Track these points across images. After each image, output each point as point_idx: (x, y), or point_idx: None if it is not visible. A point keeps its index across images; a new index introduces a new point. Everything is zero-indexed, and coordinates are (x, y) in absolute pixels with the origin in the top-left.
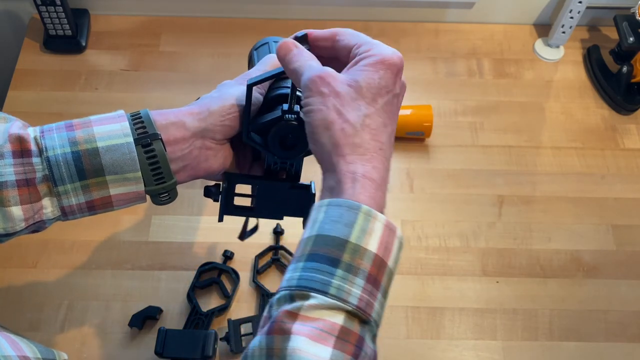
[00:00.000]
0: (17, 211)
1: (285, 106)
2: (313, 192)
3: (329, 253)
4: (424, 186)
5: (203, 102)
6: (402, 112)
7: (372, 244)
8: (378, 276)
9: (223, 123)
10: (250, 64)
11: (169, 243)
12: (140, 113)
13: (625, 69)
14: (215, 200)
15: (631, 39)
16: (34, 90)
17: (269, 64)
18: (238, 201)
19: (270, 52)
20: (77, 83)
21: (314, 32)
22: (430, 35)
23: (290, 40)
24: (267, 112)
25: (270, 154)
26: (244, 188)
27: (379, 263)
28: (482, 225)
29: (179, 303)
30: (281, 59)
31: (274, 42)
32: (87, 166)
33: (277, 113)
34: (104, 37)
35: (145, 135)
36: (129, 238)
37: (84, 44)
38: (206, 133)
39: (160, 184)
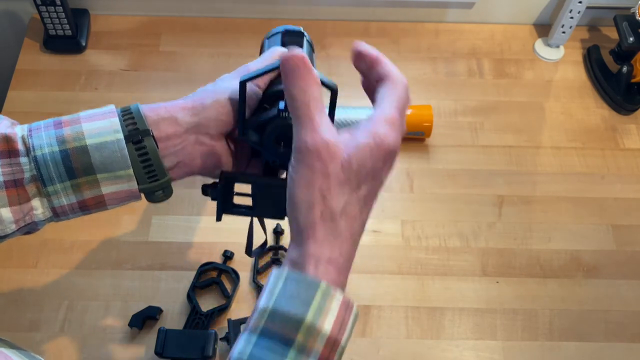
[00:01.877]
0: (5, 213)
1: (282, 104)
2: None
3: (283, 332)
4: (424, 186)
5: (197, 96)
6: None
7: (327, 324)
8: (330, 356)
9: (217, 118)
10: (261, 53)
11: (169, 243)
12: (130, 108)
13: (625, 69)
14: (214, 199)
15: (631, 39)
16: (34, 90)
17: (270, 57)
18: (238, 200)
19: (279, 44)
20: (77, 83)
21: (361, 46)
22: (430, 35)
23: (301, 54)
24: (265, 109)
25: (267, 152)
26: (244, 187)
27: (332, 343)
28: (482, 225)
29: (179, 303)
30: (285, 73)
31: (287, 32)
32: (76, 165)
33: (274, 111)
34: (104, 37)
35: (136, 132)
36: (129, 238)
37: (84, 44)
38: (200, 128)
39: (153, 181)
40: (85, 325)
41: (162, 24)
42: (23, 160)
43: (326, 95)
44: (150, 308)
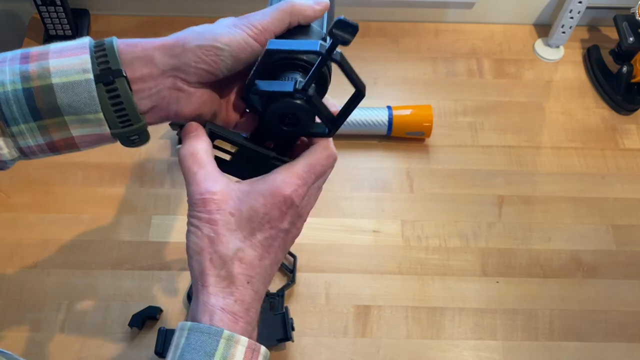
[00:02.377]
0: None
1: (301, 83)
2: None
3: None
4: (424, 186)
5: (182, 34)
6: (402, 112)
7: None
8: None
9: (197, 65)
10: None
11: (169, 243)
12: (104, 43)
13: (625, 69)
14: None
15: (631, 39)
16: None
17: (282, 9)
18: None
19: None
20: None
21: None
22: (430, 35)
23: (193, 124)
24: (274, 71)
25: (266, 123)
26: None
27: None
28: (482, 225)
29: (179, 303)
30: (182, 136)
31: None
32: (41, 105)
33: (289, 87)
34: (103, 37)
35: (108, 72)
36: (129, 238)
37: None
38: (177, 72)
39: (126, 126)
40: (85, 325)
41: (162, 24)
42: None
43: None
44: (150, 308)
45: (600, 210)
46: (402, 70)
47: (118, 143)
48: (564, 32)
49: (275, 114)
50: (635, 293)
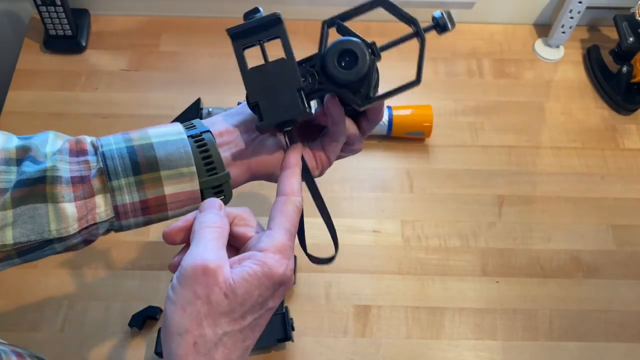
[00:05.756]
0: (70, 208)
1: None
2: None
3: None
4: (424, 186)
5: (241, 105)
6: (402, 112)
7: None
8: None
9: None
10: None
11: None
12: (191, 121)
13: (625, 69)
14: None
15: (631, 39)
16: (34, 90)
17: (241, 113)
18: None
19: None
20: (77, 83)
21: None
22: (430, 35)
23: (217, 201)
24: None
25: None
26: None
27: None
28: (482, 225)
29: None
30: (203, 208)
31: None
32: (141, 159)
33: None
34: (104, 37)
35: (195, 129)
36: (129, 238)
37: (84, 44)
38: (247, 125)
39: (212, 174)
40: (85, 325)
41: (162, 24)
42: (91, 158)
43: None
44: (150, 308)
45: (600, 210)
46: (402, 70)
47: None
48: (564, 32)
49: (341, 47)
50: (635, 293)
